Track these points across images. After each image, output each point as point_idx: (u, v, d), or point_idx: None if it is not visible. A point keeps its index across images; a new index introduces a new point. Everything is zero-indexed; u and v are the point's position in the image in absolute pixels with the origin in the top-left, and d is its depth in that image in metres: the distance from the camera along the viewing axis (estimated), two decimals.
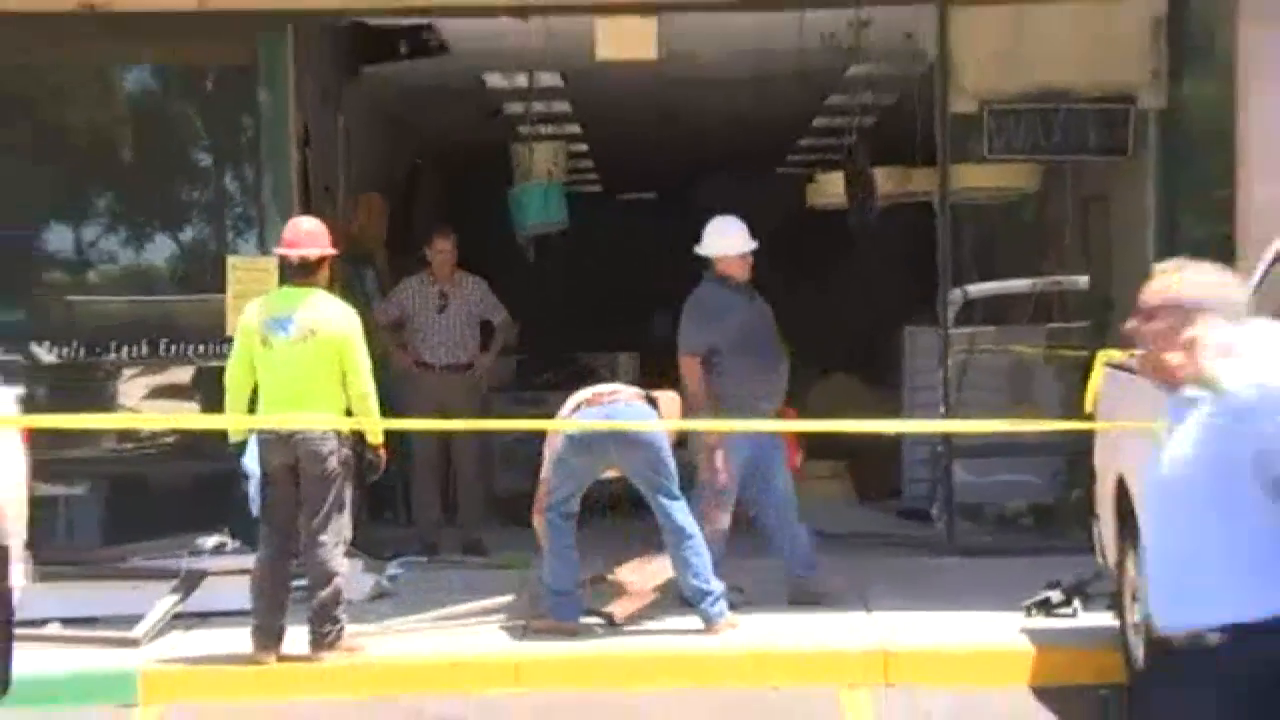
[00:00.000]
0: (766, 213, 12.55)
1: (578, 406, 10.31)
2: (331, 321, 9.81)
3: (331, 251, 10.01)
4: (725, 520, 10.66)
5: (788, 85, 15.85)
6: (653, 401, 10.36)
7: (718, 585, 10.20)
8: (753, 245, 10.93)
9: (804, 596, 10.67)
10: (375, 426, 9.85)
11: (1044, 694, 9.33)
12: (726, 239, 10.92)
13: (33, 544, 9.22)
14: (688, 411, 10.50)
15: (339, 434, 9.73)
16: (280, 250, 10.06)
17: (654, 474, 10.21)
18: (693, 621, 10.23)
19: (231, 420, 9.87)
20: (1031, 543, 11.85)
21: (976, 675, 9.57)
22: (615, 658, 9.94)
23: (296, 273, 9.89)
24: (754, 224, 10.71)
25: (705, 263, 10.90)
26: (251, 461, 9.78)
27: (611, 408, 10.22)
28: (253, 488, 9.79)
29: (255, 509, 9.87)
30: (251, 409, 9.82)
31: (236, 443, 9.87)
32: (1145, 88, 12.47)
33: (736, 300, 10.89)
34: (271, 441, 9.69)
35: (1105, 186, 13.39)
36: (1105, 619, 9.82)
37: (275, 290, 10.23)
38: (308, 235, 9.95)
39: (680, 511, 10.23)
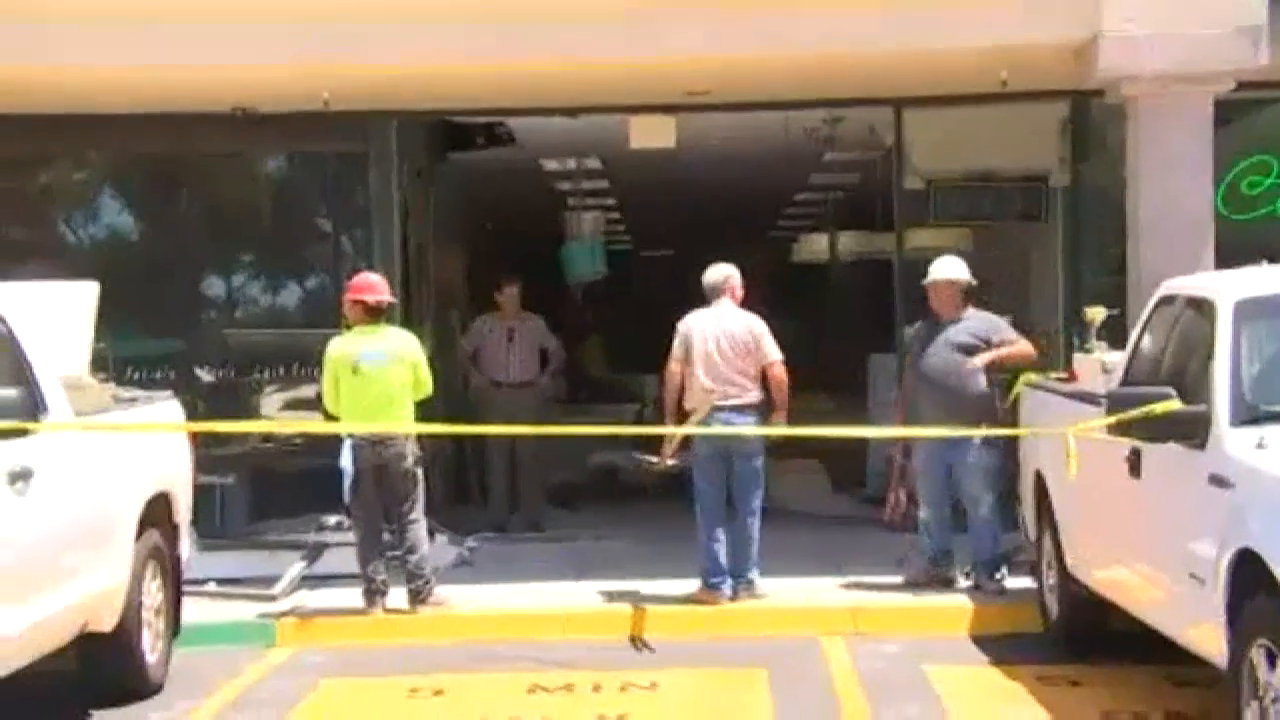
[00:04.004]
0: (760, 266, 12.63)
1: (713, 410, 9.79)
2: (406, 346, 9.84)
3: (392, 299, 10.02)
4: (918, 501, 10.18)
5: (777, 167, 15.85)
6: (757, 408, 9.88)
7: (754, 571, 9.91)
8: (941, 277, 10.03)
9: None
10: (455, 431, 9.74)
11: (977, 640, 9.28)
12: (934, 268, 10.12)
13: (196, 521, 9.32)
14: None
15: (413, 438, 9.72)
16: (362, 296, 9.79)
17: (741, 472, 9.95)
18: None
19: (342, 427, 9.77)
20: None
21: (926, 625, 9.53)
22: (646, 612, 9.81)
23: (373, 313, 9.79)
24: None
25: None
26: (346, 462, 9.76)
27: (723, 415, 9.78)
28: (347, 482, 9.77)
29: (348, 498, 9.85)
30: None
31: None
32: (1054, 170, 12.47)
33: (925, 329, 10.21)
34: (363, 447, 9.67)
35: (1025, 244, 13.37)
36: (1026, 582, 9.77)
37: (356, 329, 9.84)
38: (381, 285, 9.91)
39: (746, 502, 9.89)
